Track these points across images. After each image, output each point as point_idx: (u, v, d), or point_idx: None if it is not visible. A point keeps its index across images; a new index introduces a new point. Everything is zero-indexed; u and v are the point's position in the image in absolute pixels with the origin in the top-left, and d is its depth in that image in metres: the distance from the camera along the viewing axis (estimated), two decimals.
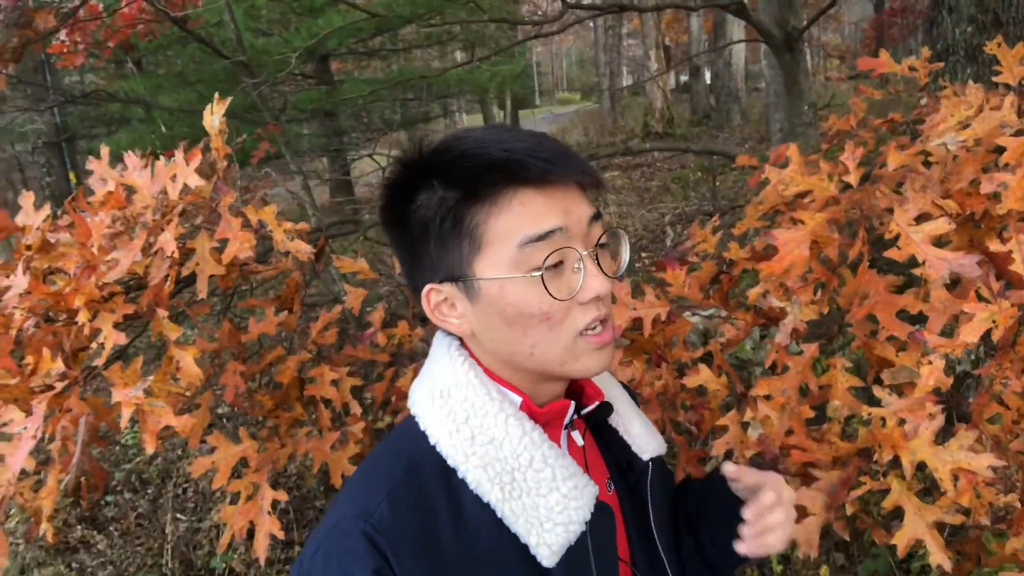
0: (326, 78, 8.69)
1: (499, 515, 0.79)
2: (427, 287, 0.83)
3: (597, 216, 0.83)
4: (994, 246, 1.15)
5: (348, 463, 1.41)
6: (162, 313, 1.27)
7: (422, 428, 0.84)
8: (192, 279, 1.46)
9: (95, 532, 3.90)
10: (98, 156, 1.47)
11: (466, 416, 0.82)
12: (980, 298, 1.19)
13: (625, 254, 0.89)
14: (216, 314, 1.66)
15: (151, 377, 1.17)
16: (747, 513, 0.91)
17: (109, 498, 4.18)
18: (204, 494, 4.05)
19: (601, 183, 0.85)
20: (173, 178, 1.40)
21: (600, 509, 0.85)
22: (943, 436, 1.21)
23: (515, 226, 0.78)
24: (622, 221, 8.43)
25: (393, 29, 8.73)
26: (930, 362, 1.17)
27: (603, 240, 0.84)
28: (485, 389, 0.83)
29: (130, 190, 1.47)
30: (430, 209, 0.80)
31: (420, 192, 0.81)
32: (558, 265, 0.80)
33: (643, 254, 6.94)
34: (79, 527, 3.93)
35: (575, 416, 0.91)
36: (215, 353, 1.45)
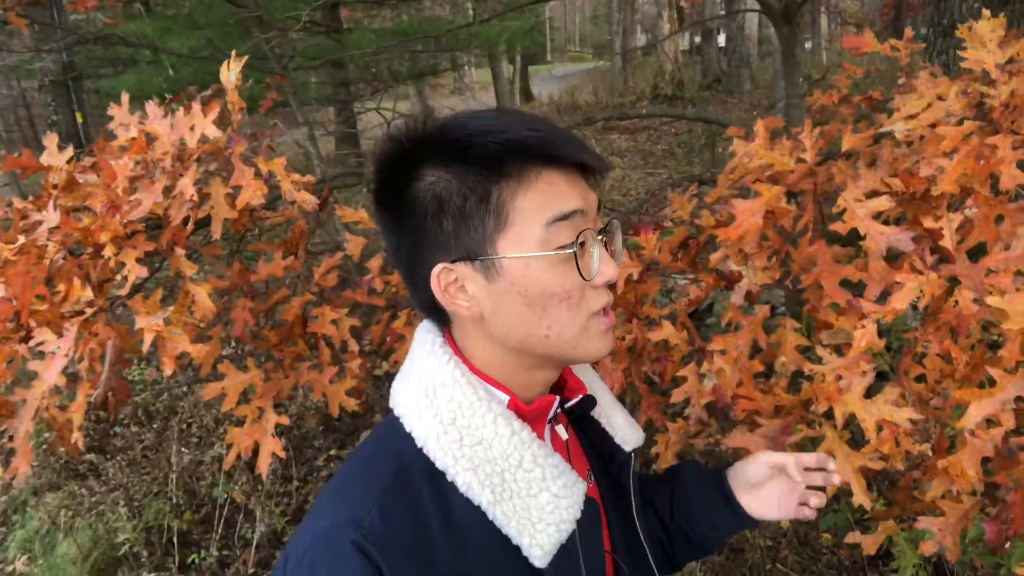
0: (335, 26, 8.68)
1: (490, 517, 0.79)
2: (438, 267, 0.80)
3: (600, 204, 0.86)
4: (928, 223, 1.28)
5: (345, 395, 1.56)
6: (180, 252, 1.41)
7: (407, 430, 0.82)
8: (205, 221, 1.60)
9: (105, 458, 4.11)
10: (107, 97, 1.61)
11: (453, 417, 0.81)
12: (915, 271, 1.32)
13: (619, 244, 0.90)
14: (228, 255, 1.80)
15: (171, 308, 1.32)
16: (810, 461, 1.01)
17: (117, 429, 4.39)
18: (208, 428, 4.24)
19: (605, 171, 0.86)
20: (192, 128, 1.53)
21: (587, 504, 0.85)
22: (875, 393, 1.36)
23: (542, 205, 0.78)
24: (624, 184, 8.52)
25: None
26: (864, 326, 1.31)
27: (608, 228, 0.86)
28: (472, 388, 0.82)
29: (150, 137, 1.60)
30: (448, 185, 0.78)
31: (428, 168, 0.79)
32: (584, 244, 0.80)
33: (644, 217, 7.04)
34: (89, 455, 4.14)
35: (559, 410, 0.91)
36: (226, 291, 1.59)
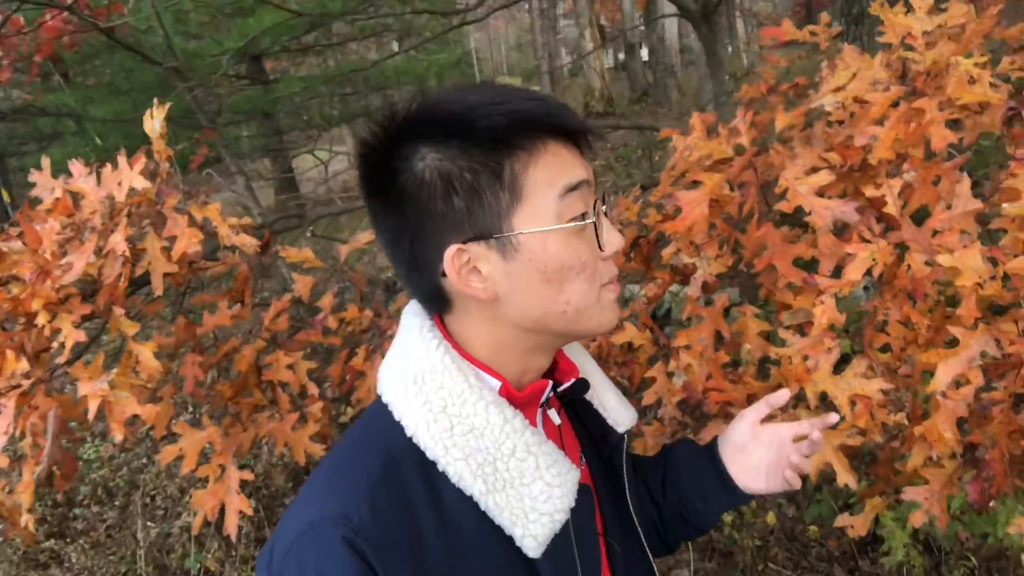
0: (261, 78, 8.62)
1: (482, 508, 0.76)
2: (452, 248, 0.76)
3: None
4: (869, 192, 1.29)
5: (309, 441, 1.50)
6: (118, 311, 1.35)
7: (396, 418, 0.79)
8: (145, 281, 1.53)
9: (66, 544, 3.91)
10: (32, 172, 1.54)
11: (443, 405, 0.78)
12: (864, 241, 1.34)
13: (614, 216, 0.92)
14: (171, 313, 1.74)
15: (114, 370, 1.25)
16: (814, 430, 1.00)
17: (77, 511, 4.19)
18: (173, 498, 4.08)
19: (600, 141, 0.85)
20: (119, 183, 1.48)
21: (581, 491, 0.82)
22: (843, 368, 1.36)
23: (554, 175, 0.76)
24: None
25: (326, 24, 8.69)
26: (823, 302, 1.32)
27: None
28: (463, 375, 0.79)
29: (77, 197, 1.53)
30: (455, 162, 0.75)
31: (426, 147, 0.76)
32: (595, 215, 0.79)
33: None
34: (49, 542, 3.94)
35: (552, 394, 0.88)
36: (173, 348, 1.53)
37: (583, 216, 0.78)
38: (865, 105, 1.40)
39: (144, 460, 4.44)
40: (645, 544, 0.98)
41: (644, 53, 17.95)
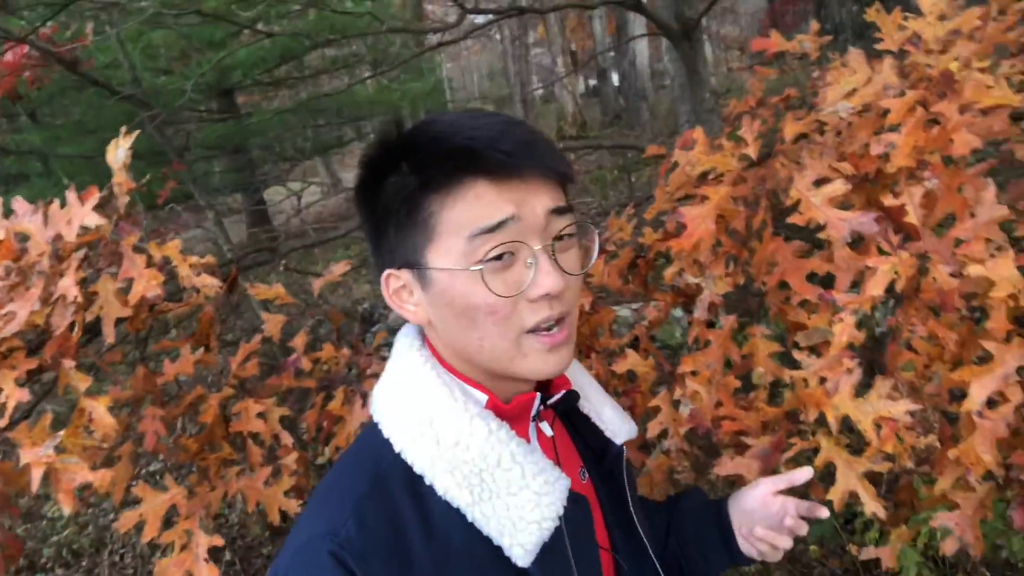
0: (232, 112, 8.51)
1: (470, 519, 0.77)
2: (386, 272, 0.83)
3: (562, 210, 0.80)
4: (888, 201, 1.19)
5: (284, 497, 1.36)
6: (68, 363, 1.21)
7: (385, 435, 0.82)
8: (99, 327, 1.40)
9: None
10: None
11: (430, 419, 0.80)
12: (882, 253, 1.24)
13: (595, 249, 0.87)
14: (131, 362, 1.60)
15: (61, 433, 1.11)
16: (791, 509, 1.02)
17: None
18: (143, 556, 3.87)
19: (569, 176, 0.83)
20: (68, 221, 1.34)
21: (574, 501, 0.83)
22: (864, 391, 1.26)
23: (467, 218, 0.76)
24: None
25: (298, 56, 8.62)
26: (841, 319, 1.21)
27: (568, 232, 0.81)
28: (448, 390, 0.81)
29: (23, 239, 1.40)
30: (393, 194, 0.79)
31: (391, 174, 0.80)
32: (503, 257, 0.77)
33: None
34: None
35: (542, 407, 0.89)
36: (132, 401, 1.39)
37: (500, 257, 0.77)
38: (873, 112, 1.32)
39: (111, 516, 4.23)
40: (653, 556, 0.96)
41: (615, 78, 18.11)
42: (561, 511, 0.80)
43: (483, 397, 0.83)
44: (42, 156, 6.89)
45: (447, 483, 0.77)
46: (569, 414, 0.96)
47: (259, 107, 9.59)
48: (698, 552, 1.07)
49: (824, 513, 1.03)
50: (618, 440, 0.97)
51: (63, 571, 3.96)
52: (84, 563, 4.00)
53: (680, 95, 5.84)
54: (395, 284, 0.83)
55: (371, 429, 0.85)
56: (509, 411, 0.84)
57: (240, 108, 8.99)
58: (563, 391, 0.90)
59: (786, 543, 1.01)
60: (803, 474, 1.05)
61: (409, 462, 0.79)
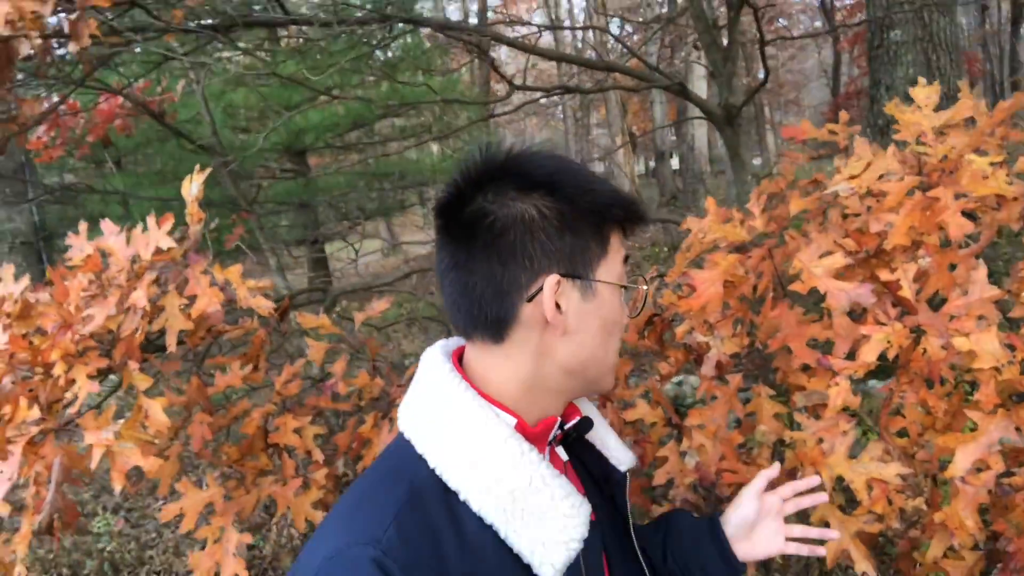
0: (303, 171, 8.97)
1: (502, 536, 0.80)
2: (553, 276, 0.83)
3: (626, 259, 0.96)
4: (884, 276, 1.29)
5: (310, 508, 1.48)
6: (133, 365, 1.37)
7: (419, 451, 0.84)
8: (166, 344, 1.56)
9: None
10: (69, 235, 1.60)
11: (464, 440, 0.82)
12: (879, 324, 1.32)
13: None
14: (187, 373, 1.75)
15: (121, 421, 1.26)
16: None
17: None
18: (178, 574, 3.97)
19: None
20: (147, 244, 1.53)
21: (591, 526, 0.86)
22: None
23: (621, 247, 0.91)
24: None
25: (369, 123, 9.09)
26: (837, 383, 1.29)
27: None
28: (484, 412, 0.84)
29: (107, 255, 1.58)
30: (564, 208, 0.85)
31: (511, 191, 0.84)
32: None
33: None
34: None
35: (559, 431, 0.93)
36: (184, 406, 1.53)
37: (640, 283, 0.96)
38: (879, 194, 1.42)
39: (154, 535, 4.36)
40: None
41: (675, 162, 18.40)
42: (585, 534, 0.83)
43: (512, 420, 0.86)
44: (123, 199, 7.36)
45: (482, 501, 0.80)
46: (574, 442, 0.99)
47: (328, 168, 10.08)
48: (697, 567, 1.10)
49: (816, 480, 1.13)
50: (622, 467, 1.03)
51: None
52: None
53: (731, 179, 5.98)
54: (560, 289, 0.84)
55: (401, 445, 0.87)
56: (534, 434, 0.87)
57: (310, 168, 9.47)
58: (576, 418, 0.95)
59: (823, 536, 1.11)
60: (772, 471, 1.13)
61: (444, 479, 0.81)
